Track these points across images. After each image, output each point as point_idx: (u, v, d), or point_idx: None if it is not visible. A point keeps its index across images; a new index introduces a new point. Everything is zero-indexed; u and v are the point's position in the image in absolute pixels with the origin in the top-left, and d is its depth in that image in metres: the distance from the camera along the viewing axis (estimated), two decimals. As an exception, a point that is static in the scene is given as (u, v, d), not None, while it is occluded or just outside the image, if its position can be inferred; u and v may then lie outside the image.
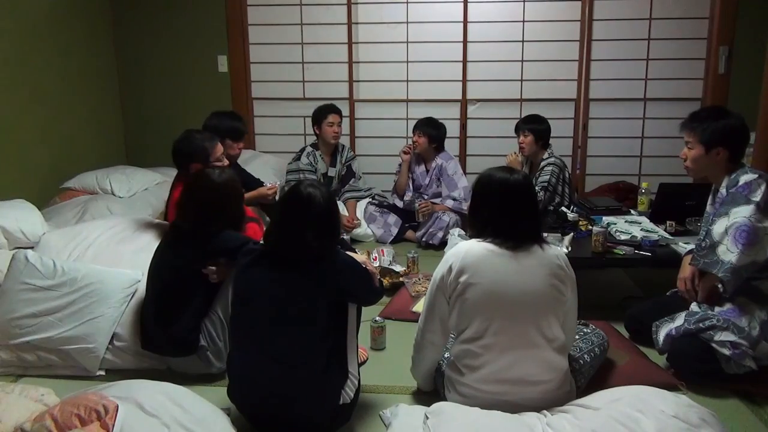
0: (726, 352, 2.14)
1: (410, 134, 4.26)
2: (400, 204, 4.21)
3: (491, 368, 1.84)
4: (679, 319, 2.29)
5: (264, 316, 1.89)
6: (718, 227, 2.24)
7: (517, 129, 3.68)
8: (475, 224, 1.97)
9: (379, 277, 2.16)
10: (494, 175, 1.92)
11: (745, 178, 2.26)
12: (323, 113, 4.08)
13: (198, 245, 2.27)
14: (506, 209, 1.88)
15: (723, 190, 2.35)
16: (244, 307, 1.94)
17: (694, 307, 2.31)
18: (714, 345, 2.16)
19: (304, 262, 1.89)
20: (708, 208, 2.51)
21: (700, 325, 2.20)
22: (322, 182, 2.05)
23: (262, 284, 1.90)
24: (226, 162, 3.00)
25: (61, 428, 1.62)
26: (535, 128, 3.61)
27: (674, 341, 2.27)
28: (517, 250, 1.85)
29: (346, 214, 4.08)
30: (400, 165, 4.23)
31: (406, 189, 4.19)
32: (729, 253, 2.18)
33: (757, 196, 2.20)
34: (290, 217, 1.94)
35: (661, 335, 2.32)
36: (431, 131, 4.05)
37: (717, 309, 2.25)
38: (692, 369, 2.22)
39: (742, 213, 2.19)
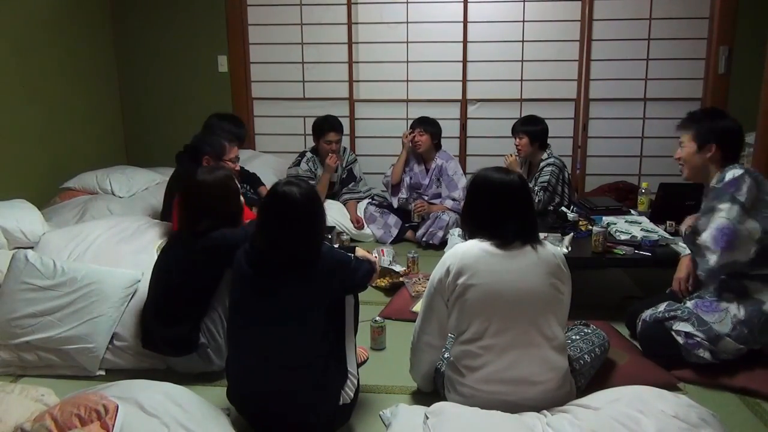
0: (680, 340, 2.27)
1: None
2: (395, 203, 4.17)
3: (491, 369, 1.84)
4: (661, 307, 2.38)
5: (261, 318, 1.88)
6: (703, 223, 2.28)
7: (513, 131, 3.69)
8: (468, 224, 1.97)
9: (366, 261, 2.09)
10: (489, 176, 1.92)
11: (732, 173, 2.26)
12: (323, 131, 4.03)
13: (191, 245, 2.26)
14: (500, 210, 1.89)
15: (712, 184, 2.35)
16: (241, 309, 1.93)
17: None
18: (672, 332, 2.29)
19: (297, 263, 1.87)
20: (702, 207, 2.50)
21: (666, 314, 2.34)
22: (304, 179, 2.05)
23: (258, 286, 1.89)
24: (237, 166, 3.00)
25: (61, 428, 1.62)
26: (530, 130, 3.60)
27: (646, 325, 2.40)
28: (511, 249, 1.85)
29: (347, 215, 4.09)
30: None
31: (401, 186, 4.17)
32: (708, 252, 2.22)
33: (742, 196, 2.20)
34: (269, 218, 1.91)
35: (641, 319, 2.44)
36: (431, 128, 4.06)
37: (695, 300, 2.35)
38: (656, 352, 2.35)
39: (725, 213, 2.20)
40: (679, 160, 2.46)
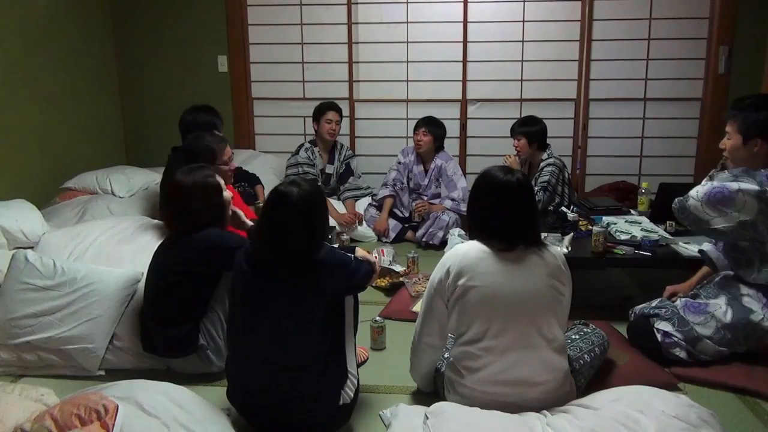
0: (659, 337, 2.33)
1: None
2: (399, 213, 4.17)
3: (491, 370, 1.84)
4: (654, 303, 2.44)
5: (260, 319, 1.88)
6: (719, 179, 2.20)
7: (512, 133, 3.69)
8: (473, 223, 1.97)
9: (366, 261, 2.08)
10: (494, 175, 1.90)
11: None
12: (323, 110, 4.12)
13: (183, 245, 2.26)
14: (504, 209, 1.88)
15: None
16: (240, 310, 1.93)
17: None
18: (654, 329, 2.35)
19: (296, 264, 1.87)
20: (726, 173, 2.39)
21: (652, 311, 2.39)
22: (308, 178, 1.97)
23: (258, 287, 1.88)
24: (233, 165, 2.99)
25: (61, 428, 1.62)
26: (527, 131, 3.60)
27: (634, 318, 2.49)
28: (514, 250, 1.85)
29: (345, 211, 4.09)
30: (381, 198, 4.17)
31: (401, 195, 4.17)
32: (695, 192, 2.19)
33: None
34: (269, 218, 1.90)
35: (633, 311, 2.52)
36: (436, 130, 4.05)
37: (686, 298, 2.38)
38: (640, 344, 2.41)
39: (743, 184, 2.10)
40: (724, 151, 2.32)
